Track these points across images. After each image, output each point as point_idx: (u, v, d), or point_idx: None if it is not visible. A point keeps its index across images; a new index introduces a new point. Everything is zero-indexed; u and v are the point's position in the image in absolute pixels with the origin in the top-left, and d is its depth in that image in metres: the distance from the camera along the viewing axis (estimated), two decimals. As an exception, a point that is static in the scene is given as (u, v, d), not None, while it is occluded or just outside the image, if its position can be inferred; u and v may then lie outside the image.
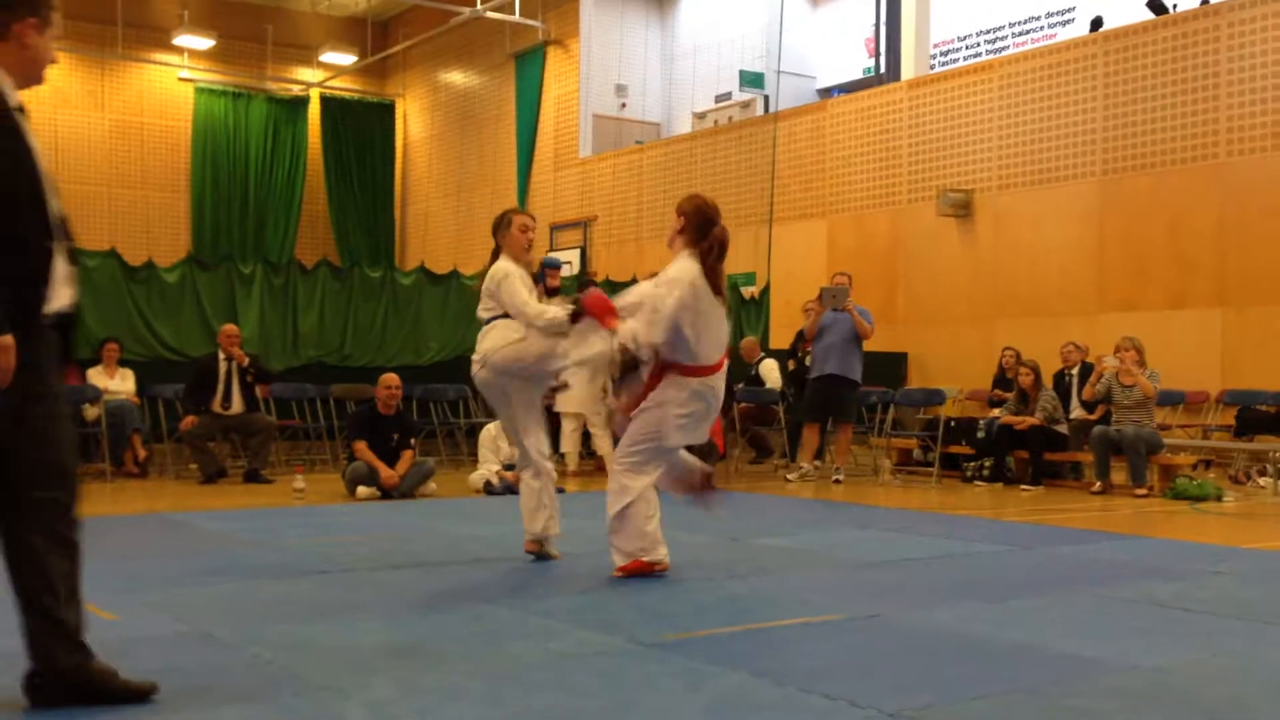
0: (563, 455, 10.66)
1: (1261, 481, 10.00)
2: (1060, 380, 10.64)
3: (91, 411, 9.74)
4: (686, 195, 5.23)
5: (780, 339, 13.63)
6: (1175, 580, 5.19)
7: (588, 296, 5.27)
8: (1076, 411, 10.28)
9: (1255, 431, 11.10)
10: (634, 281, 13.08)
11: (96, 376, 10.00)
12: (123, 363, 10.27)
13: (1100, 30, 13.68)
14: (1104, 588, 4.94)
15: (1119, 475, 9.53)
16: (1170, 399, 11.49)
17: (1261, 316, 11.73)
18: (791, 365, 11.57)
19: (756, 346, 12.20)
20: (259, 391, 10.02)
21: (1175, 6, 13.21)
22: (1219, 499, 8.78)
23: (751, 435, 11.81)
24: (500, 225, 5.64)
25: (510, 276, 5.39)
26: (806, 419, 10.42)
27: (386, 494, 8.46)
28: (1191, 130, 12.29)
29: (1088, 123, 13.16)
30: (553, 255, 5.79)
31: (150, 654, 3.66)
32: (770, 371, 11.63)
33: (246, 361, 9.84)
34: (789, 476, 10.26)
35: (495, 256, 5.59)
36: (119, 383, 10.13)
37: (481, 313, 5.52)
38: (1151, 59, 12.64)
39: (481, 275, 5.60)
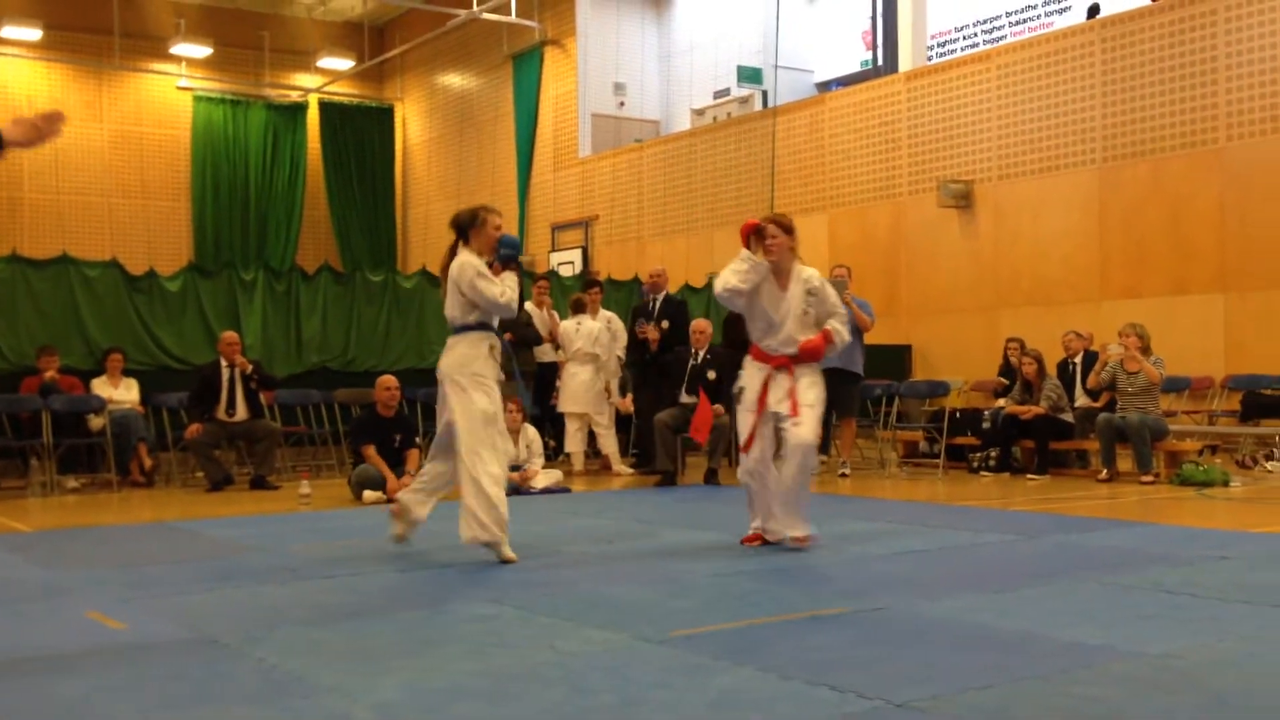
0: (568, 455, 10.67)
1: (1268, 466, 9.98)
2: (1064, 369, 10.63)
3: (96, 422, 9.78)
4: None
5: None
6: (1182, 566, 5.18)
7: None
8: (1081, 400, 10.27)
9: (1260, 416, 11.10)
10: (636, 280, 13.18)
11: (101, 387, 10.01)
12: (126, 372, 10.28)
13: (1097, 17, 13.67)
14: (1111, 575, 4.93)
15: (1125, 463, 9.52)
16: (1175, 385, 11.47)
17: (1264, 301, 11.71)
18: None
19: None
20: (263, 398, 10.04)
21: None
22: (1225, 484, 8.75)
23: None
24: (474, 223, 5.61)
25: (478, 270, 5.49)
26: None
27: (393, 498, 8.45)
28: (1191, 115, 12.26)
29: (1087, 110, 13.14)
30: (509, 235, 5.77)
31: (157, 660, 3.67)
32: None
33: (249, 369, 9.85)
34: (795, 471, 10.23)
35: (454, 252, 5.59)
36: (123, 392, 10.14)
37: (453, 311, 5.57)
38: (1150, 44, 12.61)
39: (443, 270, 5.61)
